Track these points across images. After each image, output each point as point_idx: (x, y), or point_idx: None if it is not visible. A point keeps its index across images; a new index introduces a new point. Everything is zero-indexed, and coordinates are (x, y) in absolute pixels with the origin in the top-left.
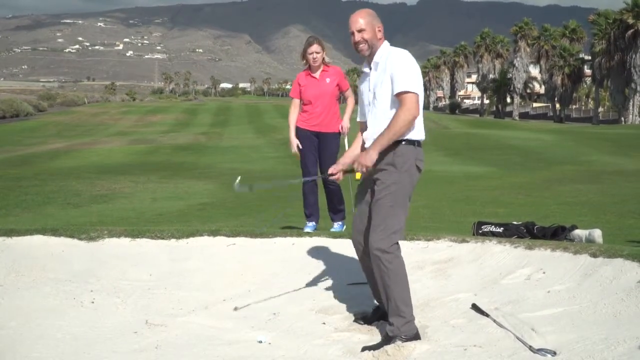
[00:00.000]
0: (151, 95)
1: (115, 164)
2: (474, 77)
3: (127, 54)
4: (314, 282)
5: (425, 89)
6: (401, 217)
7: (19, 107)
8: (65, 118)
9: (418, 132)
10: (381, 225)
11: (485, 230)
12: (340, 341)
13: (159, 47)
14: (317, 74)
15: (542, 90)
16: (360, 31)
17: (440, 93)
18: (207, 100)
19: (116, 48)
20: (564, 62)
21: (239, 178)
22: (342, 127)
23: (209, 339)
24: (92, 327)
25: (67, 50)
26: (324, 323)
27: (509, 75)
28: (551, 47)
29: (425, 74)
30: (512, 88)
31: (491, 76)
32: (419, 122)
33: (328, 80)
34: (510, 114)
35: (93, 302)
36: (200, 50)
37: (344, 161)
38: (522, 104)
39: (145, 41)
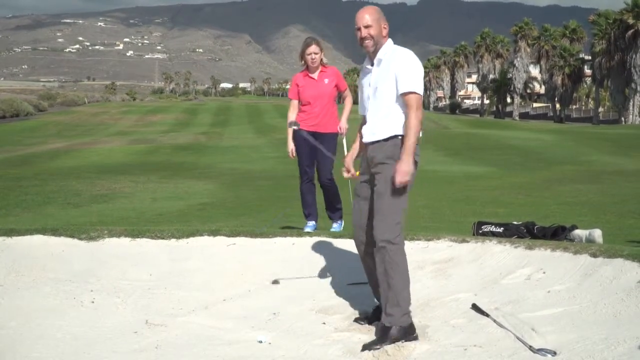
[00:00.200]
0: (151, 95)
1: (115, 163)
2: (474, 77)
3: (128, 54)
4: (314, 282)
5: (426, 89)
6: (403, 209)
7: (19, 107)
8: (66, 118)
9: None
10: (385, 217)
11: (486, 230)
12: (340, 341)
13: (159, 47)
14: (315, 75)
15: (542, 90)
16: (367, 27)
17: (440, 93)
18: (207, 100)
19: (116, 48)
20: (564, 62)
21: None
22: (340, 128)
23: (209, 339)
24: (92, 327)
25: (67, 50)
26: (324, 323)
27: (509, 75)
28: (551, 47)
29: (425, 74)
30: (512, 88)
31: (491, 76)
32: None
33: (326, 80)
34: (510, 114)
35: (93, 302)
36: (201, 50)
37: (349, 162)
38: (522, 104)
39: (145, 41)
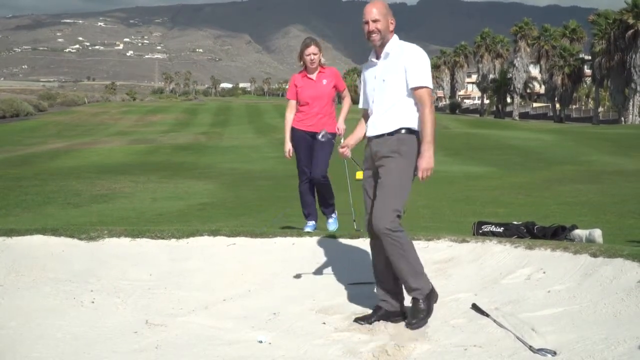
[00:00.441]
0: (151, 95)
1: (115, 163)
2: (474, 77)
3: (128, 54)
4: (314, 282)
5: None
6: (403, 198)
7: (19, 107)
8: (66, 118)
9: (418, 123)
10: (383, 205)
11: (486, 230)
12: (340, 341)
13: (159, 47)
14: (313, 76)
15: (542, 90)
16: (374, 21)
17: (440, 93)
18: (207, 100)
19: (116, 48)
20: (564, 62)
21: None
22: (338, 129)
23: (209, 339)
24: (92, 327)
25: (67, 50)
26: (324, 323)
27: (509, 75)
28: (551, 47)
29: None
30: (512, 88)
31: (491, 76)
32: (417, 115)
33: (325, 81)
34: (510, 114)
35: (93, 302)
36: (201, 50)
37: (349, 142)
38: (522, 104)
39: (145, 41)
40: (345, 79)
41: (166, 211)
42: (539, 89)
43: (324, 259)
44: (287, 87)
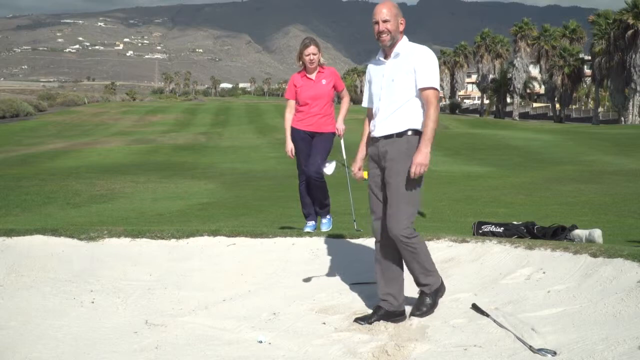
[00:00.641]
0: (151, 95)
1: (115, 164)
2: (474, 77)
3: (127, 54)
4: (314, 282)
5: None
6: (416, 202)
7: (19, 107)
8: (65, 118)
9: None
10: (398, 212)
11: (486, 230)
12: (340, 341)
13: (159, 47)
14: (313, 76)
15: (542, 90)
16: (385, 21)
17: (440, 93)
18: (207, 100)
19: (116, 48)
20: (564, 62)
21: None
22: (337, 129)
23: (209, 339)
24: (92, 327)
25: (67, 50)
26: (324, 323)
27: (509, 75)
28: (551, 47)
29: None
30: (512, 88)
31: (491, 76)
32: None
33: (324, 81)
34: (510, 114)
35: (93, 302)
36: (200, 50)
37: (358, 164)
38: (522, 104)
39: (145, 41)
40: (345, 79)
41: (166, 211)
42: (539, 89)
43: (324, 259)
44: (286, 87)
